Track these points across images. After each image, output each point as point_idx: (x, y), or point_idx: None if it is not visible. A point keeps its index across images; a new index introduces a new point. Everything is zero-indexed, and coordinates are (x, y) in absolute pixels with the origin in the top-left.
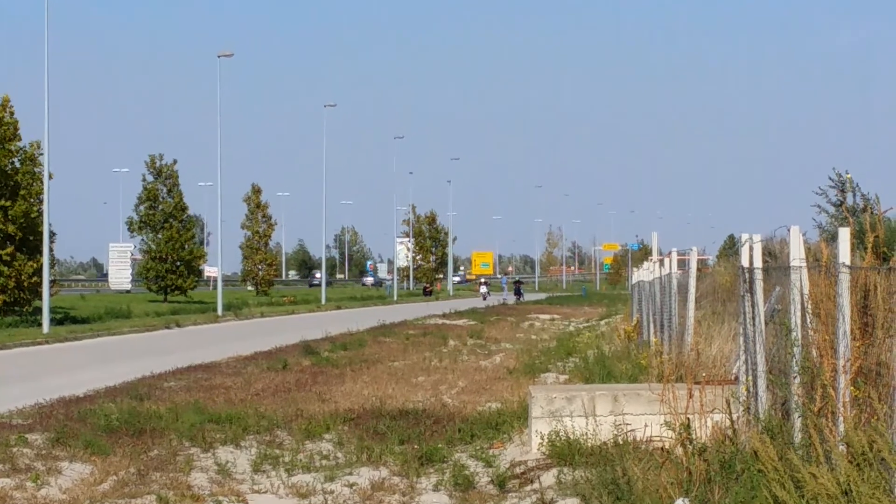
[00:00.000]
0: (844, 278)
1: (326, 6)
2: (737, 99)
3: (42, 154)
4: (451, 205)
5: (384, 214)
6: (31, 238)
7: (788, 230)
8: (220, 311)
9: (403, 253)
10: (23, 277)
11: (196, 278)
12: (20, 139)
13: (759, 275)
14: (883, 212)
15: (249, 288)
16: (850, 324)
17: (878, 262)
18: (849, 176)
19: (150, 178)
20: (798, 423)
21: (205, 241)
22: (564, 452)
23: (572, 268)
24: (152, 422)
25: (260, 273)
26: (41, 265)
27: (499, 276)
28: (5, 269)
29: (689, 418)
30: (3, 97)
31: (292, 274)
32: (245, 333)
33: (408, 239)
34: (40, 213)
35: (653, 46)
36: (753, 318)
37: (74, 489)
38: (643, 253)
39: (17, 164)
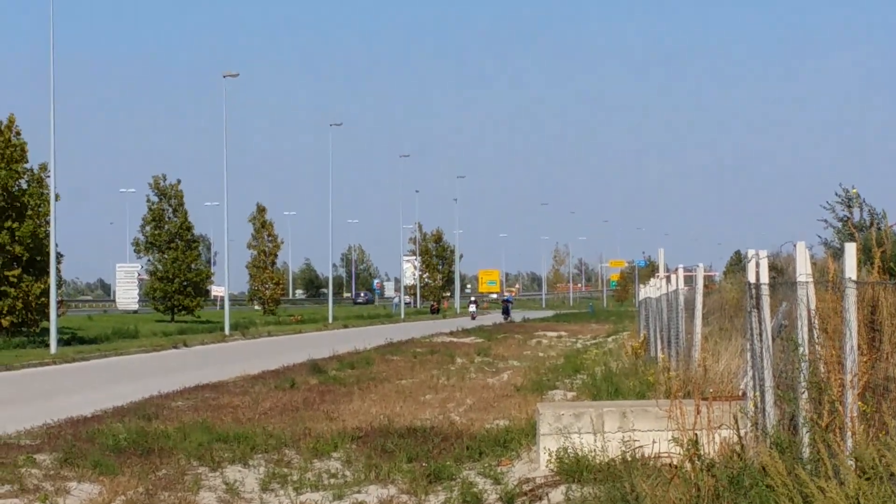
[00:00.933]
0: (851, 293)
1: (332, 25)
2: (742, 115)
3: (49, 175)
4: (458, 223)
5: (391, 233)
6: (39, 259)
7: (794, 246)
8: (227, 331)
9: (410, 271)
10: (30, 298)
11: (203, 298)
12: (27, 160)
13: (765, 290)
14: (889, 226)
15: (256, 307)
16: (857, 339)
17: (885, 278)
18: (855, 191)
19: (154, 198)
20: (806, 438)
21: (211, 261)
22: (573, 469)
23: (579, 285)
24: (160, 441)
25: (267, 292)
26: (48, 286)
27: (505, 293)
28: (12, 290)
29: (697, 434)
30: (9, 117)
31: (299, 293)
32: (252, 352)
33: (414, 257)
34: (47, 234)
35: (658, 64)
36: (760, 334)
37: None
38: (650, 269)
39: (24, 185)
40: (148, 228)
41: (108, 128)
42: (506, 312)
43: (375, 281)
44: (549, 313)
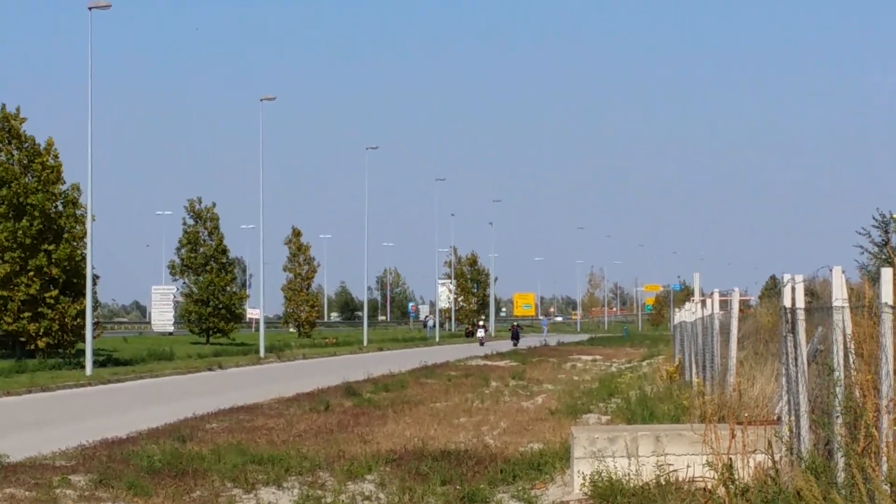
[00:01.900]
0: (887, 318)
1: (368, 50)
2: (779, 140)
3: (82, 196)
4: (493, 246)
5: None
6: (75, 281)
7: (831, 270)
8: (262, 353)
9: (445, 294)
10: (66, 320)
11: (238, 321)
12: (63, 182)
13: (801, 315)
14: None
15: (291, 330)
16: (893, 363)
17: None
18: (893, 216)
19: (190, 221)
20: (841, 462)
21: (247, 283)
22: (607, 493)
23: (614, 308)
24: (195, 463)
25: (302, 315)
26: (84, 307)
27: (540, 317)
28: (49, 311)
29: (731, 458)
30: (47, 141)
31: (334, 316)
32: (287, 375)
33: (449, 280)
34: (83, 256)
35: (693, 88)
36: (796, 359)
37: None
38: (685, 294)
39: (60, 207)
40: (183, 251)
41: (145, 150)
42: (515, 337)
43: (410, 304)
44: (584, 337)
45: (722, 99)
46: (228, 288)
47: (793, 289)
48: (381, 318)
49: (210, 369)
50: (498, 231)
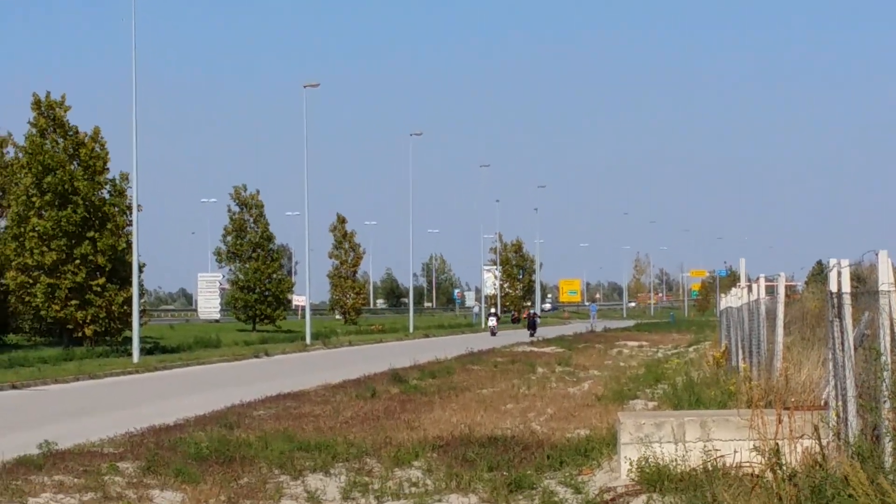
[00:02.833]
0: None
1: (411, 36)
2: (824, 123)
3: (130, 186)
4: (538, 232)
5: (471, 242)
6: (121, 269)
7: (877, 255)
8: (308, 340)
9: (490, 281)
10: (113, 307)
11: (284, 308)
12: (108, 171)
13: (847, 300)
14: None
15: (337, 316)
16: None
17: None
18: None
19: (235, 208)
20: (889, 447)
21: (292, 270)
22: (653, 479)
23: (660, 294)
24: (242, 450)
25: (348, 302)
26: (131, 295)
27: (586, 303)
28: (96, 299)
29: (778, 444)
30: (94, 129)
31: (380, 302)
32: (333, 362)
33: (495, 267)
34: (129, 244)
35: (738, 76)
36: (843, 344)
37: None
38: (731, 279)
39: (106, 196)
40: (229, 238)
41: (190, 138)
42: (532, 327)
43: (456, 291)
44: (630, 323)
45: (769, 83)
46: (274, 275)
47: (839, 273)
48: (426, 304)
49: (256, 356)
50: (543, 217)
